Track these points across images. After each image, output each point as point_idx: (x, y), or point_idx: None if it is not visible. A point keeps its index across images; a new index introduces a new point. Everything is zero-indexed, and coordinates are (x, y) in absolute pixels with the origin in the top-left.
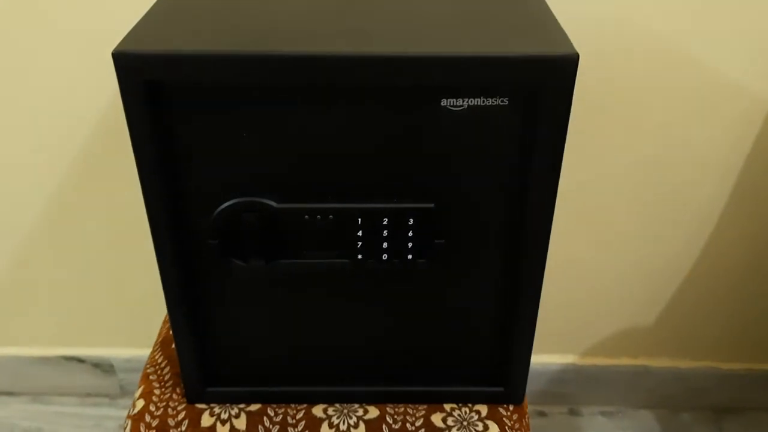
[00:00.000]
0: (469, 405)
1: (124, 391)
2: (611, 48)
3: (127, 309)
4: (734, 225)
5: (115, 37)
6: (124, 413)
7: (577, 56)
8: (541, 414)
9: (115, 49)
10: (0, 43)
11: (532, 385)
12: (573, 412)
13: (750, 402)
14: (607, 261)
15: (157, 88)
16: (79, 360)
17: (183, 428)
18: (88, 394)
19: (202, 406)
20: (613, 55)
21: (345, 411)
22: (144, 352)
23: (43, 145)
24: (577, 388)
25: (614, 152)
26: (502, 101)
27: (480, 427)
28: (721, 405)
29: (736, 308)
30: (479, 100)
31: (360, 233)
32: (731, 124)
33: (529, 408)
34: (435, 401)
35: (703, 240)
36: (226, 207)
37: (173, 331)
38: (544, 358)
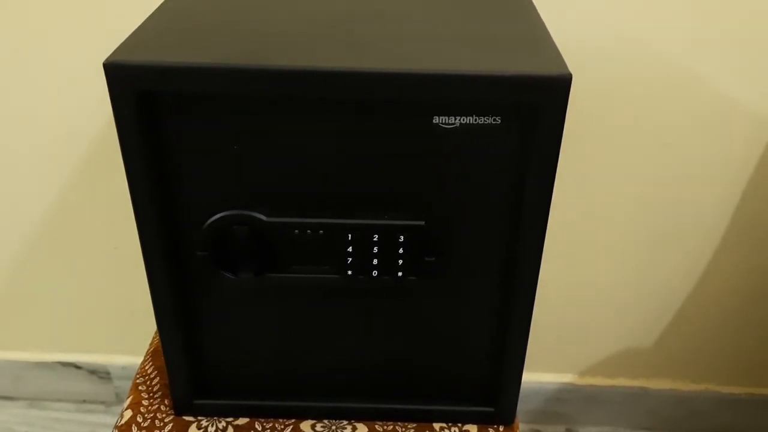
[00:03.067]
0: (459, 425)
1: (119, 399)
2: (613, 64)
3: (125, 317)
4: (736, 247)
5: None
6: None
7: (570, 77)
8: None
9: (106, 60)
10: (4, 49)
11: (529, 404)
12: None
13: (750, 426)
14: (606, 281)
15: (148, 99)
16: (76, 366)
17: None
18: (84, 401)
19: (190, 418)
20: (616, 72)
21: (333, 427)
22: (140, 360)
23: (43, 152)
24: (574, 407)
25: (614, 172)
26: (494, 120)
27: None
28: (720, 428)
29: (736, 331)
30: (471, 118)
31: (350, 249)
32: (734, 145)
33: (526, 427)
34: (425, 420)
35: (704, 262)
36: (216, 219)
37: (162, 343)
38: (541, 377)
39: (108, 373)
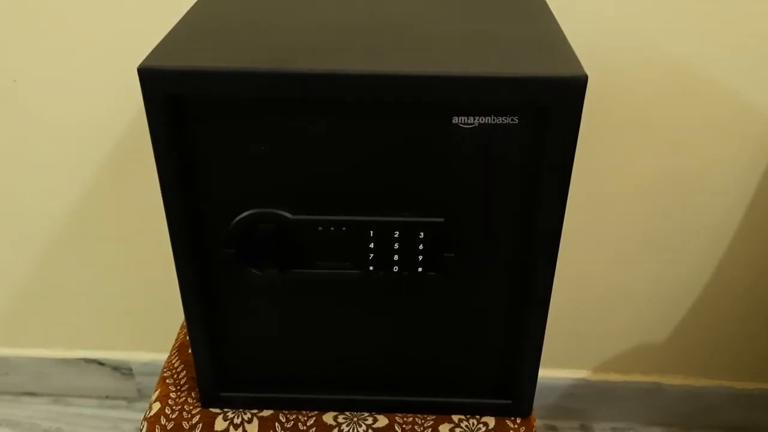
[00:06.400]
0: (477, 417)
1: (141, 395)
2: (625, 66)
3: (147, 314)
4: (749, 243)
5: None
6: (141, 416)
7: (586, 77)
8: (552, 429)
9: (140, 65)
10: (33, 54)
11: (543, 400)
12: (584, 428)
13: (764, 422)
14: (621, 277)
15: (179, 101)
16: (99, 363)
17: (197, 431)
18: (107, 397)
19: (216, 410)
20: (627, 73)
21: (354, 419)
22: (162, 356)
23: (67, 152)
24: (588, 403)
25: (626, 171)
26: (512, 120)
27: None
28: (734, 424)
29: (751, 327)
30: (490, 118)
31: (371, 245)
32: (745, 144)
33: (540, 422)
34: (443, 412)
35: (717, 258)
36: (243, 217)
37: (189, 337)
38: (555, 372)
39: (130, 370)
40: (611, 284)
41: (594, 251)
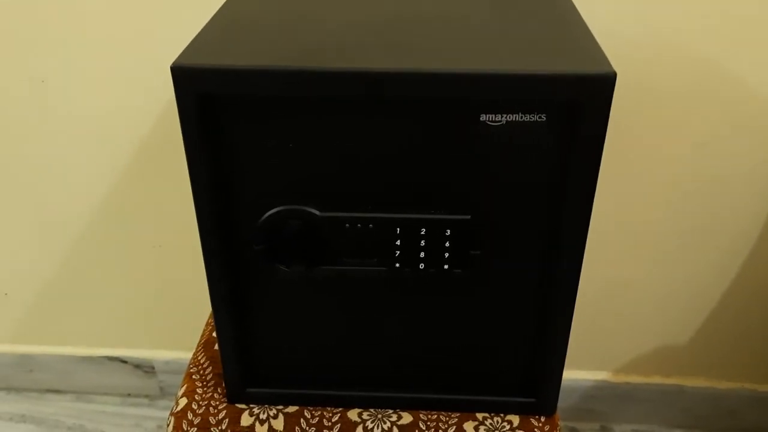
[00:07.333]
0: (501, 415)
1: (163, 393)
2: (651, 64)
3: (169, 313)
4: None
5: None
6: (163, 414)
7: (615, 75)
8: (573, 430)
9: (173, 63)
10: (60, 54)
11: (563, 401)
12: (604, 430)
13: None
14: (642, 279)
15: (211, 99)
16: (122, 361)
17: (223, 427)
18: (129, 395)
19: (242, 406)
20: (651, 72)
21: (379, 416)
22: (183, 355)
23: (90, 152)
24: (609, 405)
25: (650, 171)
26: (540, 117)
27: None
28: (756, 428)
29: None
30: (517, 116)
31: (398, 242)
32: None
33: (561, 423)
34: (467, 409)
35: (740, 260)
36: (271, 214)
37: (217, 333)
38: (576, 374)
39: (152, 368)
40: (633, 285)
41: (614, 252)
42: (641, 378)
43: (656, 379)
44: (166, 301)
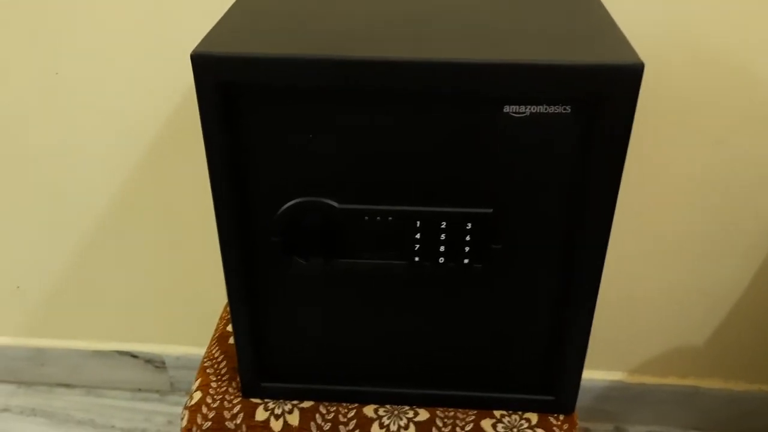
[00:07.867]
0: (520, 412)
1: (174, 388)
2: (674, 61)
3: (181, 308)
4: None
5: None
6: (173, 409)
7: (642, 65)
8: (586, 431)
9: (193, 51)
10: (74, 46)
11: (578, 402)
12: (619, 430)
13: None
14: (658, 279)
15: (231, 88)
16: (133, 355)
17: (238, 421)
18: (140, 389)
19: (257, 400)
20: (677, 69)
21: (395, 412)
22: (194, 350)
23: (103, 147)
24: (623, 406)
25: (669, 171)
26: (564, 109)
27: None
28: None
29: None
30: (542, 107)
31: (418, 236)
32: None
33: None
34: (485, 407)
35: (758, 261)
36: (289, 206)
37: (233, 326)
38: (591, 374)
39: (163, 363)
40: (649, 285)
41: (632, 251)
42: (656, 379)
43: (671, 380)
44: (177, 296)
